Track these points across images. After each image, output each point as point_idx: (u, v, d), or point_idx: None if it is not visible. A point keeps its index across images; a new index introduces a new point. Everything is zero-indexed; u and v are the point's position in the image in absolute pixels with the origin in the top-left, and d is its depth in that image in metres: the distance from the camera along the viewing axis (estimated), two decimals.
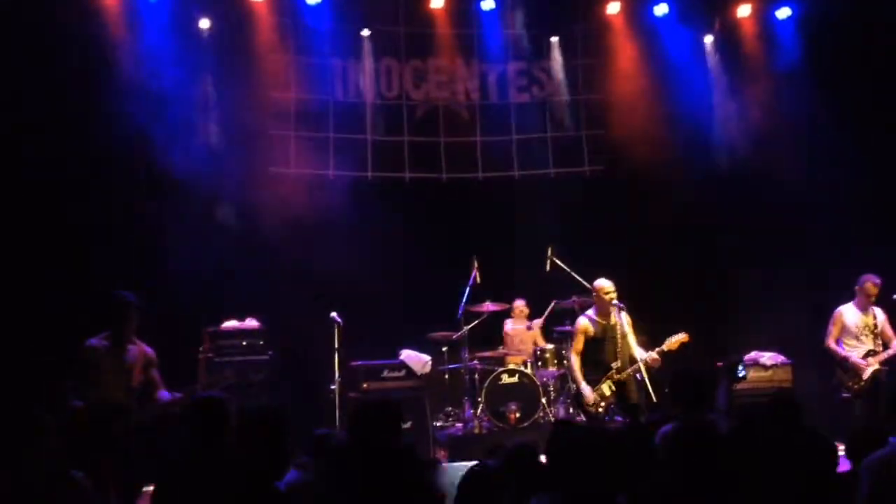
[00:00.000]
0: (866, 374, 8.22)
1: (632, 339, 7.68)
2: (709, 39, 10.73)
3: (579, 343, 7.86)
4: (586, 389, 7.67)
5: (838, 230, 9.60)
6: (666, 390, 5.70)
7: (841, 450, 4.65)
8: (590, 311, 7.97)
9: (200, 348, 8.54)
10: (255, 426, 3.86)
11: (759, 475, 4.00)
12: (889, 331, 8.42)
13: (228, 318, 8.73)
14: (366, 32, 10.47)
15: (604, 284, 7.83)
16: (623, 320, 7.70)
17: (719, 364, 9.14)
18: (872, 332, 8.35)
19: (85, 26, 8.85)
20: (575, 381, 7.85)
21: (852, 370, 8.28)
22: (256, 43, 9.98)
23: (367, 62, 10.59)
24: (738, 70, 10.61)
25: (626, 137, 10.50)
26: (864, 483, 4.17)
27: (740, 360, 9.08)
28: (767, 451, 4.22)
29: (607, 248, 9.99)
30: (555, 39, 10.96)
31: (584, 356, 7.82)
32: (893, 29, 9.47)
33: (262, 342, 8.61)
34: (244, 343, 8.55)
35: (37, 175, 8.48)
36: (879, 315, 8.41)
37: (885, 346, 8.37)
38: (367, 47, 10.58)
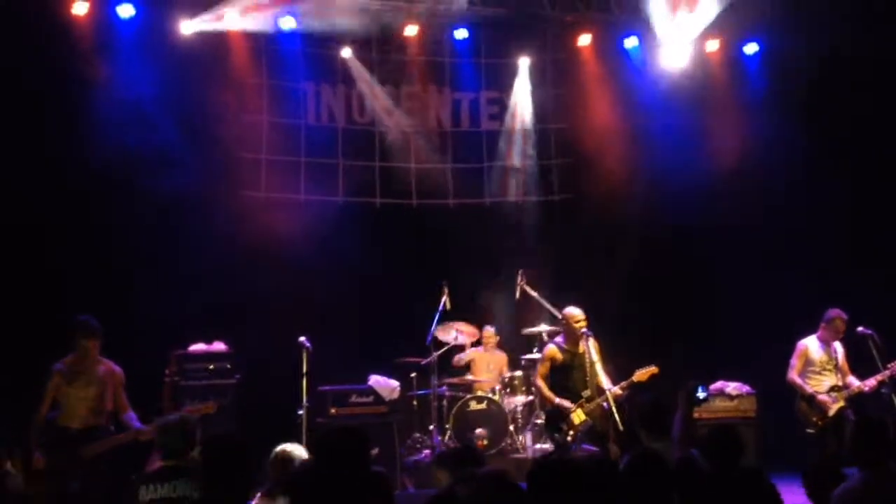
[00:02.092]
0: (832, 412, 8.17)
1: (599, 367, 7.65)
2: (678, 73, 10.89)
3: (545, 368, 7.86)
4: (564, 402, 7.62)
5: (806, 260, 9.74)
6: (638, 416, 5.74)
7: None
8: (558, 339, 7.99)
9: (166, 371, 8.44)
10: (219, 454, 3.81)
11: None
12: (846, 366, 8.40)
13: (196, 340, 8.65)
14: (347, 53, 10.51)
15: (573, 312, 7.85)
16: (591, 348, 7.68)
17: (679, 392, 9.14)
18: (834, 367, 8.33)
19: (55, 46, 8.79)
20: (548, 400, 7.79)
21: (818, 407, 8.24)
22: (229, 66, 9.98)
23: (340, 87, 10.66)
24: (706, 103, 10.76)
25: (596, 166, 10.62)
26: None
27: (699, 383, 9.05)
28: (706, 485, 4.19)
29: (577, 276, 10.03)
30: (526, 69, 11.08)
31: (553, 384, 7.80)
32: (856, 63, 9.70)
33: (229, 366, 8.53)
34: (211, 366, 8.46)
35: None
36: (839, 349, 8.40)
37: (843, 380, 8.35)
38: (342, 72, 10.63)
